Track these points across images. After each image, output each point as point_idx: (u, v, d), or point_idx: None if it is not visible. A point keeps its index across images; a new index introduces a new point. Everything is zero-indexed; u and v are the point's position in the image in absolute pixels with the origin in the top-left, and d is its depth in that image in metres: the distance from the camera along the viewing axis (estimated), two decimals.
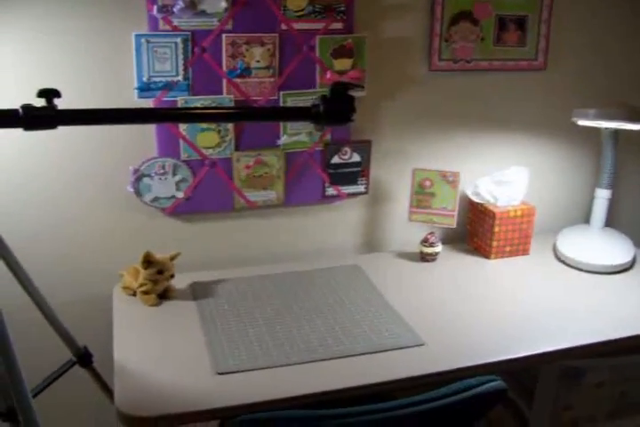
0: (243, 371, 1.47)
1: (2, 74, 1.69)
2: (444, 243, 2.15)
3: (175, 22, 1.75)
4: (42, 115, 1.20)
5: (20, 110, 1.19)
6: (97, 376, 1.81)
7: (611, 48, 2.24)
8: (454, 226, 2.10)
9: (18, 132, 1.22)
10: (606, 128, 2.00)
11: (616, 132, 2.01)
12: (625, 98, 2.24)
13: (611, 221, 2.21)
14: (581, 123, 2.00)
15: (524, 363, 1.60)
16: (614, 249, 2.07)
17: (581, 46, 2.20)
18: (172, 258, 1.80)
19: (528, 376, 1.93)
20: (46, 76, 1.72)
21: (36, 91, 1.21)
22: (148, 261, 1.76)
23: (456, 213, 2.08)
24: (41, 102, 1.21)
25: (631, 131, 1.96)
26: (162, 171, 1.88)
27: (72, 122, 1.29)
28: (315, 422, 1.27)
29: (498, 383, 1.37)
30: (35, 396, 1.54)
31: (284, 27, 1.84)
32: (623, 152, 2.19)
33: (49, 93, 1.21)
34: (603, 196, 2.10)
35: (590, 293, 1.90)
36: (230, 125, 1.89)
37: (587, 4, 2.15)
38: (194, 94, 1.83)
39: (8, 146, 1.76)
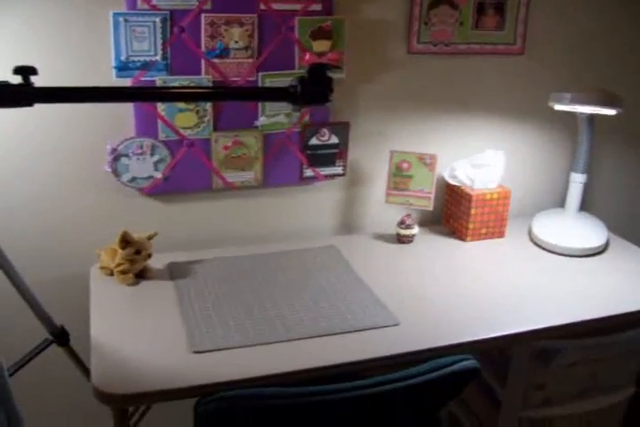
0: (219, 350, 1.48)
1: None
2: (420, 225, 2.17)
3: (154, 1, 1.73)
4: (18, 92, 1.20)
5: None
6: (74, 355, 1.81)
7: (588, 34, 2.25)
8: (431, 208, 2.11)
9: None
10: (582, 113, 2.02)
11: (592, 116, 2.02)
12: (602, 83, 2.26)
13: (585, 206, 2.24)
14: (557, 107, 2.02)
15: (497, 343, 1.63)
16: (588, 233, 2.10)
17: (559, 31, 2.21)
18: (150, 238, 1.80)
19: (502, 357, 1.96)
20: (22, 55, 1.70)
21: (11, 68, 1.20)
22: (126, 241, 1.75)
23: (433, 196, 2.09)
24: (17, 80, 1.21)
25: (607, 116, 1.98)
26: (140, 151, 1.88)
27: (49, 99, 1.29)
28: (287, 400, 1.28)
29: (471, 362, 1.39)
30: (12, 375, 1.55)
31: (262, 7, 1.83)
32: (599, 137, 2.22)
33: (25, 71, 1.21)
34: (578, 180, 2.12)
35: (563, 275, 1.93)
36: (209, 106, 1.89)
37: None
38: (172, 74, 1.82)
39: None
